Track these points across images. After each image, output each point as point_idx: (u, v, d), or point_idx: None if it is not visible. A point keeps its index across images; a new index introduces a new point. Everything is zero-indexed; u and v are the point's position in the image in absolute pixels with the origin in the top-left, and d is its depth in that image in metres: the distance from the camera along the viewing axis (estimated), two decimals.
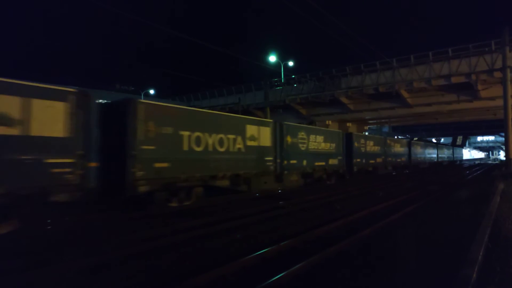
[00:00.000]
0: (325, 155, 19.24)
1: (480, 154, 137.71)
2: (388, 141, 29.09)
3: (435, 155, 46.75)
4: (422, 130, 68.63)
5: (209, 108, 31.69)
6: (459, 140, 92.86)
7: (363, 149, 23.72)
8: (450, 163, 57.26)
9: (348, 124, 36.64)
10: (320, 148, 18.72)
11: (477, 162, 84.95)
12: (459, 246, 5.82)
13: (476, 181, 22.32)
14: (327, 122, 33.90)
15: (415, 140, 45.41)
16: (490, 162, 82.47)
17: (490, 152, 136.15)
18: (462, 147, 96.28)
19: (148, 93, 49.56)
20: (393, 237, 7.24)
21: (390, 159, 28.77)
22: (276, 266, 5.30)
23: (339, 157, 20.63)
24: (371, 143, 25.29)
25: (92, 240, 7.00)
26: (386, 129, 53.41)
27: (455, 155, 66.63)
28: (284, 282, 4.77)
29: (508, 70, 19.10)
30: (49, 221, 8.46)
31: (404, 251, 6.32)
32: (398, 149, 31.53)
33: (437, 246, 6.47)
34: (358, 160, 22.86)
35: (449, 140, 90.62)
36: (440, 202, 12.35)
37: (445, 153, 56.06)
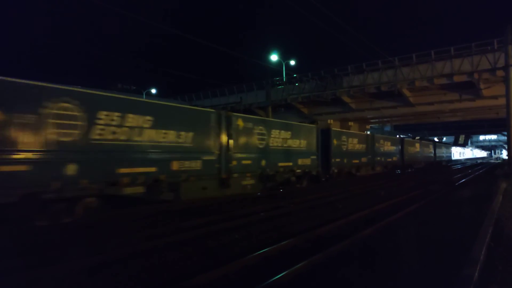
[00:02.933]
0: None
1: (482, 153, 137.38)
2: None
3: (397, 155, 31.59)
4: (424, 129, 68.56)
5: (211, 107, 31.71)
6: (461, 139, 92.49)
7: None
8: (428, 165, 41.29)
9: (350, 123, 36.63)
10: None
11: (479, 161, 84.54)
12: (461, 246, 5.81)
13: (478, 180, 22.25)
14: (329, 121, 33.89)
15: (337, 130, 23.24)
16: (492, 161, 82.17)
17: (493, 151, 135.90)
18: (464, 146, 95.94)
19: (150, 92, 49.67)
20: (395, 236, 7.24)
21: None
22: (278, 265, 5.32)
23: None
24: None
25: (89, 241, 7.02)
26: (388, 128, 53.25)
27: (437, 155, 48.25)
28: (286, 281, 4.77)
29: (511, 69, 19.02)
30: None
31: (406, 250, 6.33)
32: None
33: (439, 245, 6.47)
34: None
35: (451, 139, 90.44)
36: (442, 201, 12.33)
37: (419, 153, 39.03)
